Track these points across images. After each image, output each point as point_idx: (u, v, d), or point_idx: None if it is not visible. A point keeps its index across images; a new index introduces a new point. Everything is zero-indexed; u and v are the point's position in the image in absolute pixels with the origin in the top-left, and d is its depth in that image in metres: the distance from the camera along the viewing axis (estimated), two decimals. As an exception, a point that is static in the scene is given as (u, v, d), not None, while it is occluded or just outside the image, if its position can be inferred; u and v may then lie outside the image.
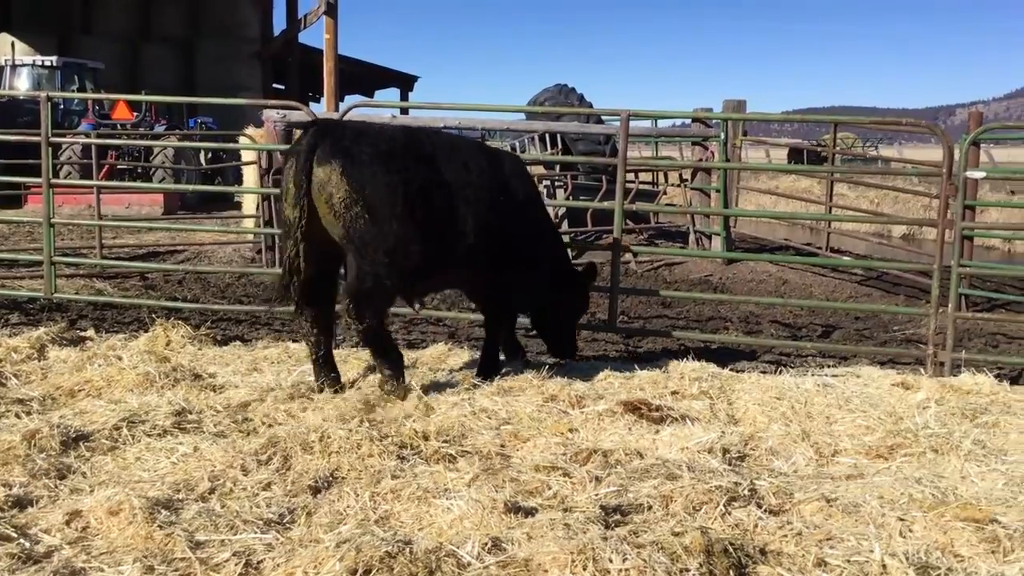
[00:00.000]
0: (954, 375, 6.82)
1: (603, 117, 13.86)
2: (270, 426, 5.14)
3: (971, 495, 4.34)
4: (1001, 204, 20.20)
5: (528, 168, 7.08)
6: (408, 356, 6.79)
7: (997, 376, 7.12)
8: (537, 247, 6.55)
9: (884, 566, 3.53)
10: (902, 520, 3.92)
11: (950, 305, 7.01)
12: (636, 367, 6.74)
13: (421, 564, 3.29)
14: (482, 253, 6.10)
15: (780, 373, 6.69)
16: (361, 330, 5.70)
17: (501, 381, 6.23)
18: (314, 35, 27.63)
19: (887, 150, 42.90)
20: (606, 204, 10.56)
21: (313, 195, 5.46)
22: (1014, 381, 7.10)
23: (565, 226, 14.36)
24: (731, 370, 6.74)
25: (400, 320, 9.39)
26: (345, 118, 8.83)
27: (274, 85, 30.99)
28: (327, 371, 6.02)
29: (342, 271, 5.98)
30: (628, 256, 13.28)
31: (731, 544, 3.54)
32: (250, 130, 14.27)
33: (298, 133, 12.90)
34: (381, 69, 30.10)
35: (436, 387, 6.06)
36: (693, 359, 6.97)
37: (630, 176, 15.47)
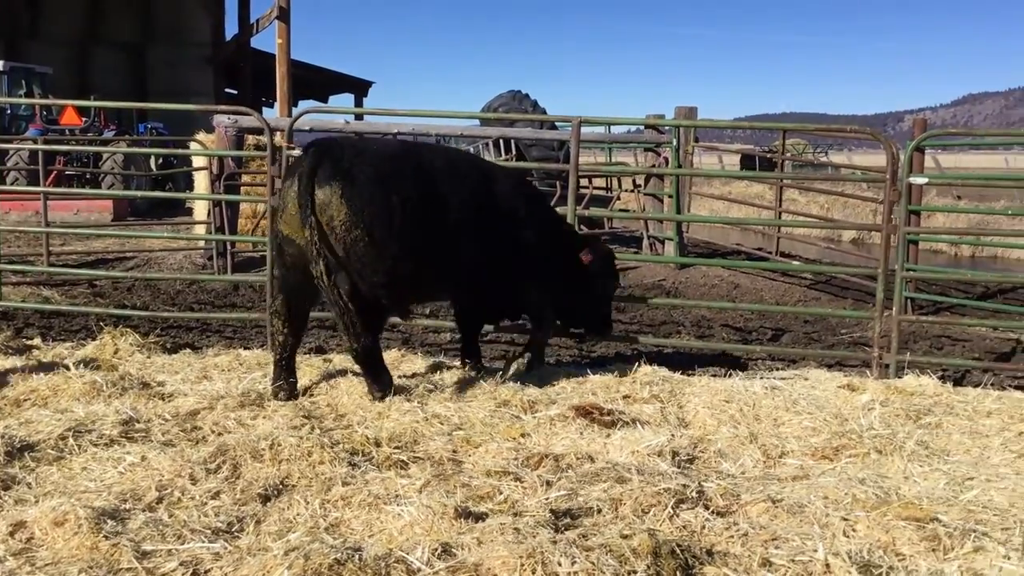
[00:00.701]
0: (899, 377, 6.95)
1: (556, 123, 13.94)
2: (219, 434, 5.09)
3: (913, 495, 4.42)
4: (945, 209, 20.64)
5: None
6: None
7: (941, 378, 7.28)
8: (543, 260, 6.59)
9: (828, 565, 3.59)
10: (846, 520, 3.99)
11: (895, 308, 7.15)
12: (589, 371, 6.79)
13: (370, 571, 3.28)
14: (483, 268, 6.26)
15: (730, 376, 6.77)
16: (357, 348, 5.73)
17: (454, 387, 6.25)
18: (267, 40, 27.49)
19: (837, 156, 43.57)
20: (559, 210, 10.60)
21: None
22: (957, 383, 7.27)
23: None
24: (682, 374, 6.81)
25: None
26: (296, 124, 8.79)
27: (226, 90, 30.71)
28: (287, 375, 6.04)
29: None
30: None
31: (678, 545, 3.58)
32: (201, 135, 14.14)
33: (251, 139, 12.88)
34: (335, 74, 29.93)
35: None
36: (645, 363, 7.04)
37: (584, 182, 15.59)
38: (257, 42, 27.78)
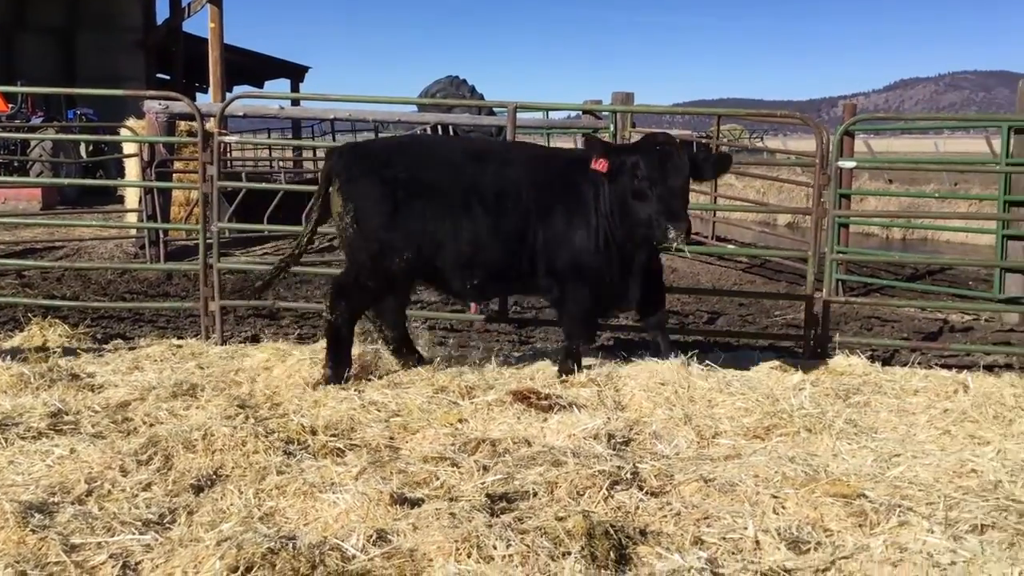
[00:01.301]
0: (829, 357, 7.10)
1: (494, 109, 13.92)
2: (151, 425, 5.02)
3: (842, 472, 4.52)
4: (873, 192, 21.10)
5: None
6: (300, 350, 6.72)
7: (870, 357, 7.46)
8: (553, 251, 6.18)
9: (757, 542, 3.67)
10: (775, 497, 4.07)
11: (824, 290, 7.30)
12: (527, 357, 6.82)
13: (304, 559, 3.27)
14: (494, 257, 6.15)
15: (666, 360, 6.83)
16: (328, 320, 6.05)
17: (392, 374, 6.24)
18: (199, 24, 26.95)
19: (772, 141, 44.22)
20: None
21: None
22: (886, 362, 7.45)
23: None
24: (619, 358, 6.86)
25: (292, 315, 9.28)
26: (230, 110, 8.65)
27: (159, 75, 30.04)
28: (408, 354, 6.55)
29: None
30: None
31: (612, 526, 3.62)
32: (131, 122, 13.84)
33: (183, 125, 12.63)
34: (270, 59, 29.46)
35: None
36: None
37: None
38: (189, 26, 27.26)
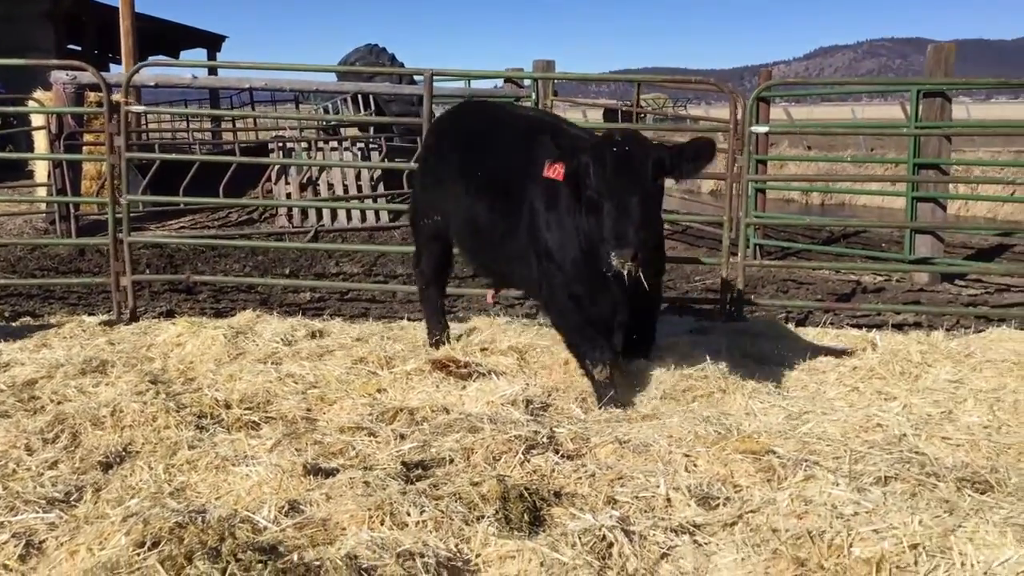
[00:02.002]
0: (744, 320, 7.23)
1: (414, 78, 13.77)
2: (59, 403, 4.89)
3: (753, 430, 4.61)
4: (787, 158, 21.49)
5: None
6: (215, 324, 6.61)
7: (784, 319, 7.64)
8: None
9: (669, 499, 3.73)
10: (687, 456, 4.14)
11: (740, 255, 7.41)
12: (449, 325, 6.80)
13: (213, 532, 3.21)
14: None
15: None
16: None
17: (312, 346, 6.17)
18: (111, -8, 25.96)
19: (696, 109, 44.63)
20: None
21: None
22: (800, 323, 7.62)
23: (381, 188, 14.28)
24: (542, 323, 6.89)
25: (209, 289, 9.11)
26: (142, 80, 8.41)
27: (69, 46, 28.98)
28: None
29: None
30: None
31: (526, 489, 3.65)
32: (38, 93, 13.36)
33: (92, 96, 12.22)
34: (185, 28, 28.64)
35: (243, 354, 5.92)
36: (502, 315, 7.14)
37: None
38: (100, -6, 26.32)
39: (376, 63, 15.76)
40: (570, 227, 4.94)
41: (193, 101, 31.12)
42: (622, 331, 5.20)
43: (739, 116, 7.19)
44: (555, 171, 4.70)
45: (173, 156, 11.90)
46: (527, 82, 13.11)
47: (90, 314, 7.26)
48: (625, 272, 4.39)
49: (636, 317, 5.20)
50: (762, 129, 8.74)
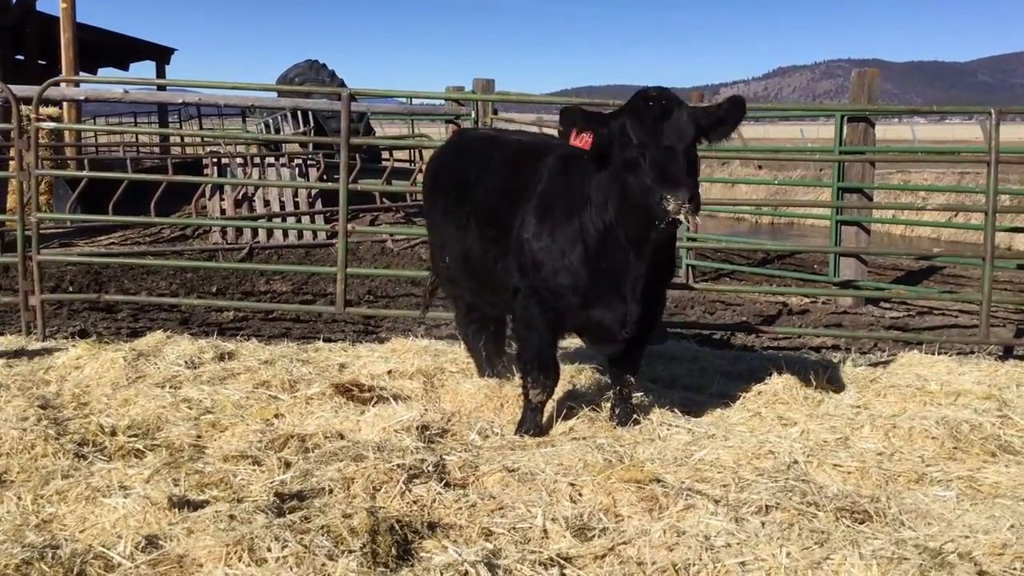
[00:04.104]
0: (664, 344, 7.23)
1: (357, 96, 13.72)
2: (-64, 430, 4.73)
3: (646, 457, 4.59)
4: (725, 180, 21.72)
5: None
6: (116, 346, 6.48)
7: (704, 341, 7.66)
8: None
9: (545, 531, 3.69)
10: (572, 485, 4.10)
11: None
12: (362, 347, 6.75)
13: (63, 568, 3.12)
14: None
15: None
16: None
17: (218, 368, 6.07)
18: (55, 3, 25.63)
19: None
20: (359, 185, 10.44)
21: None
22: (719, 346, 7.65)
23: (319, 205, 14.17)
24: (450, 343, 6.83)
25: (130, 307, 8.95)
26: (74, 95, 8.26)
27: (16, 57, 28.53)
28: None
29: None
30: (385, 236, 13.30)
31: (399, 522, 3.58)
32: (-33, 107, 13.08)
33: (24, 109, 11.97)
34: (133, 40, 28.30)
35: (142, 378, 5.80)
36: (423, 337, 7.07)
37: (385, 155, 15.44)
38: (47, 6, 25.98)
39: (316, 79, 15.69)
40: (570, 231, 4.78)
41: (142, 114, 30.81)
42: (638, 327, 4.86)
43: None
44: (582, 140, 4.50)
45: (89, 173, 11.65)
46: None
47: (-1, 334, 7.09)
48: (682, 217, 4.18)
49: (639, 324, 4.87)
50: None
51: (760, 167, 29.36)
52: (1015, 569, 3.35)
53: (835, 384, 5.88)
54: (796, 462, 4.54)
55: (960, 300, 9.35)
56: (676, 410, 5.34)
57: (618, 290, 4.76)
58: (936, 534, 3.68)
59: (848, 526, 3.78)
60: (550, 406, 5.19)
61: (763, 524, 3.74)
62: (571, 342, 6.65)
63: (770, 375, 6.03)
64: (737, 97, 4.70)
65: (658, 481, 4.13)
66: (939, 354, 6.85)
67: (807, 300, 9.94)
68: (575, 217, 4.77)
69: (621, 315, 4.82)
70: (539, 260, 4.84)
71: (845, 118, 9.52)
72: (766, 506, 3.93)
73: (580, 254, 4.76)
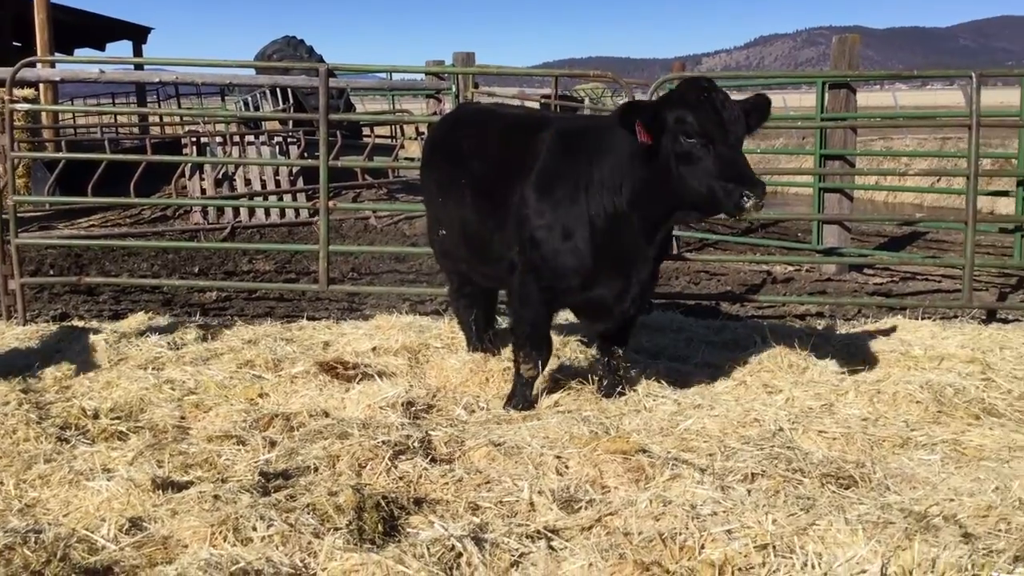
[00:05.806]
0: (649, 314, 7.21)
1: (336, 72, 13.60)
2: (-86, 417, 4.69)
3: (632, 428, 4.60)
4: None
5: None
6: (106, 328, 6.43)
7: (689, 311, 7.66)
8: None
9: (532, 504, 3.68)
10: (559, 458, 4.10)
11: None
12: (346, 325, 6.72)
13: (46, 552, 3.09)
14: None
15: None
16: None
17: (201, 348, 6.03)
18: (30, -17, 25.24)
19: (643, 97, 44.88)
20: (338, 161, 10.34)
21: None
22: (703, 316, 7.64)
23: (301, 183, 14.08)
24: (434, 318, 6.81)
25: (112, 290, 8.88)
26: (48, 76, 8.13)
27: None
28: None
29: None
30: (368, 212, 13.22)
31: (384, 498, 3.58)
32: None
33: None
34: (109, 20, 27.91)
35: (124, 360, 5.76)
36: (407, 313, 7.05)
37: (366, 131, 15.32)
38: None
39: (294, 55, 15.54)
40: (576, 211, 4.71)
41: (120, 95, 30.43)
42: (636, 305, 4.95)
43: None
44: (642, 134, 4.39)
45: (67, 155, 11.54)
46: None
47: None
48: (751, 207, 4.18)
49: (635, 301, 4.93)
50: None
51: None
52: (999, 531, 3.37)
53: (819, 351, 5.88)
54: (781, 429, 4.56)
55: (943, 265, 9.38)
56: (662, 381, 5.34)
57: (622, 271, 4.78)
58: (921, 498, 3.70)
59: (834, 492, 3.81)
60: (538, 380, 5.18)
61: (749, 492, 3.75)
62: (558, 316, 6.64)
63: (755, 343, 6.06)
64: (762, 96, 4.63)
65: (644, 452, 4.14)
66: (923, 319, 6.91)
67: (791, 268, 9.96)
68: (580, 197, 4.72)
69: (622, 294, 4.84)
70: (540, 238, 4.78)
71: (827, 85, 9.49)
72: (752, 474, 3.95)
73: (586, 236, 4.71)
